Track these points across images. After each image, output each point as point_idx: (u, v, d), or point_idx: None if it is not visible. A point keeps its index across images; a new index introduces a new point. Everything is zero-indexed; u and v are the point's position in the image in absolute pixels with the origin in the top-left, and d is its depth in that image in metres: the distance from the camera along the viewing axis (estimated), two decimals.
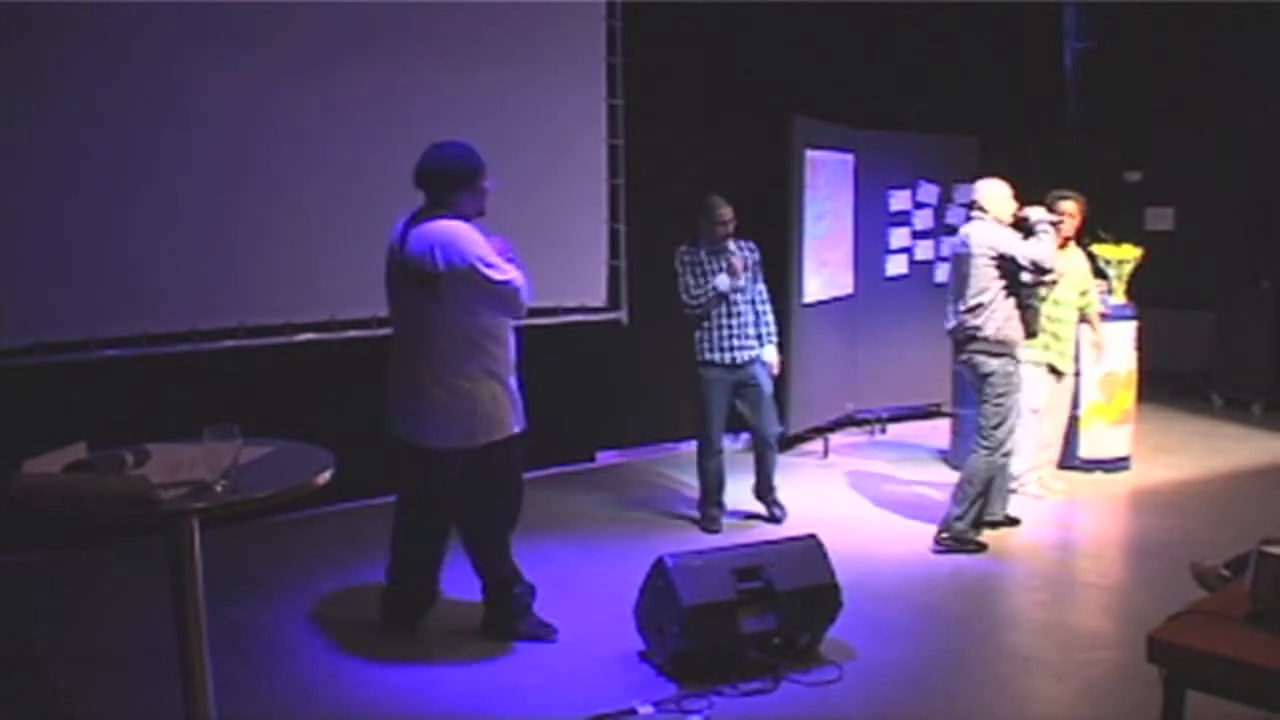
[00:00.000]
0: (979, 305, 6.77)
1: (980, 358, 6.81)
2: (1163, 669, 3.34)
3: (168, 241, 6.89)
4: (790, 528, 6.61)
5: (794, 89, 9.42)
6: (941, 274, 10.33)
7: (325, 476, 3.77)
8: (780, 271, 8.75)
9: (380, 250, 5.28)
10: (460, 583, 5.73)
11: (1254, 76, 11.43)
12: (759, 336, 7.26)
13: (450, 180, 5.13)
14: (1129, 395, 8.72)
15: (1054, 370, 7.83)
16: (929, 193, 10.33)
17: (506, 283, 5.02)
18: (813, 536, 5.49)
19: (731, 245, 7.09)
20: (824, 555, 5.37)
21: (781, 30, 9.60)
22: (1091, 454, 8.63)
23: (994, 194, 6.87)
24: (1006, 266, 6.72)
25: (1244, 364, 10.99)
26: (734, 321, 7.11)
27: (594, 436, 9.10)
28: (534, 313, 8.05)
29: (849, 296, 10.02)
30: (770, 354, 7.32)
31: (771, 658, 5.14)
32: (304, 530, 7.12)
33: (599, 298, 8.80)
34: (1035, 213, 6.82)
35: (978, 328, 6.80)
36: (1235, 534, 6.12)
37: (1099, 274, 8.55)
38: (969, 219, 7.00)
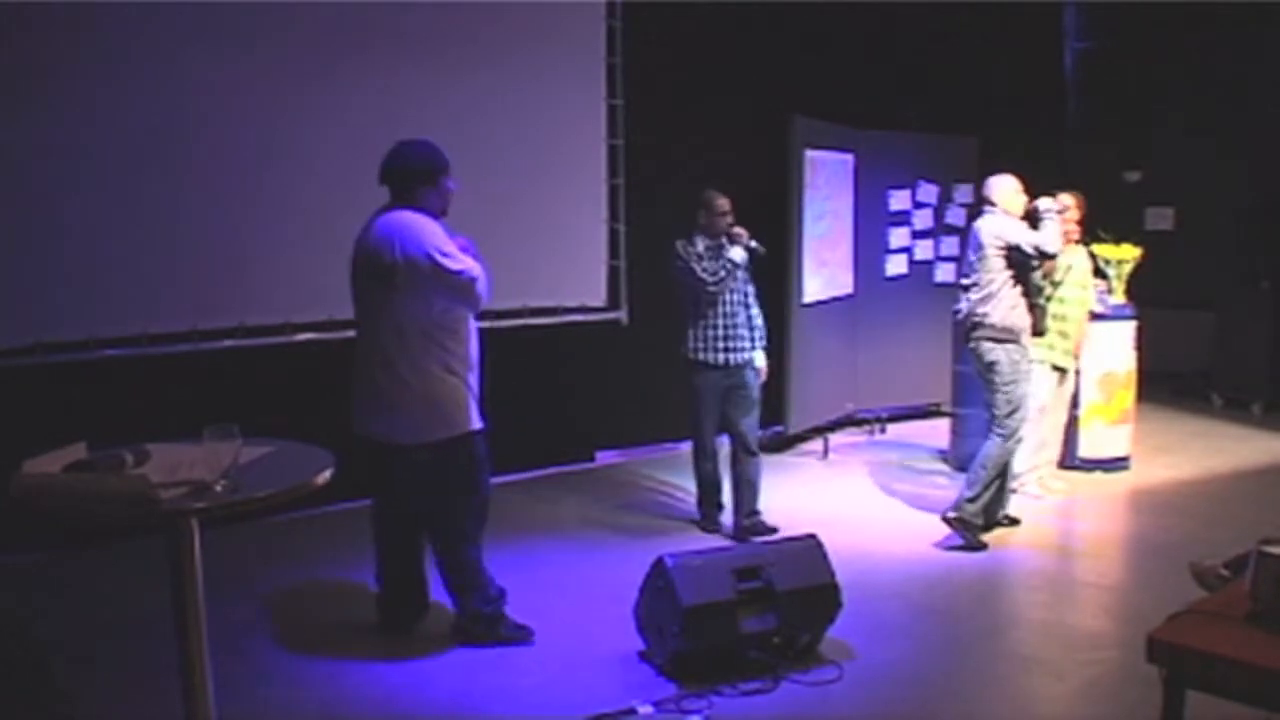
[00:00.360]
0: (986, 294, 6.94)
1: (986, 345, 6.94)
2: (1162, 669, 3.34)
3: (167, 241, 6.89)
4: (790, 528, 6.61)
5: (794, 89, 9.42)
6: (941, 274, 10.35)
7: (325, 476, 3.77)
8: (780, 271, 8.75)
9: None
10: None
11: (1254, 76, 11.44)
12: (751, 339, 7.16)
13: (412, 177, 5.17)
14: (1128, 395, 8.72)
15: (1058, 369, 7.84)
16: (929, 193, 10.32)
17: (461, 272, 5.01)
18: (812, 536, 5.49)
19: (727, 242, 6.99)
20: (824, 555, 5.37)
21: (781, 30, 9.60)
22: (1091, 454, 8.63)
23: (1003, 188, 7.05)
24: (1013, 256, 6.90)
25: (1243, 364, 10.99)
26: (726, 321, 7.00)
27: (594, 436, 9.10)
28: (534, 313, 8.13)
29: (849, 296, 10.02)
30: (760, 359, 7.22)
31: (771, 657, 5.14)
32: (304, 530, 7.12)
33: (599, 298, 8.80)
34: (1044, 202, 6.99)
35: (984, 315, 6.95)
36: (1235, 534, 6.11)
37: (1099, 274, 8.56)
38: (981, 213, 7.14)
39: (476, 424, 5.30)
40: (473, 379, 5.30)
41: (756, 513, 7.20)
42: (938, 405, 10.19)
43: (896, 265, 10.32)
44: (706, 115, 9.14)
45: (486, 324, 5.43)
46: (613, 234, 8.79)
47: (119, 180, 6.71)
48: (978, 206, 7.42)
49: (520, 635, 5.50)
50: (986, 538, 6.95)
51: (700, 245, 6.99)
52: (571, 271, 8.58)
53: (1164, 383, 10.96)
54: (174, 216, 6.90)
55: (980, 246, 6.97)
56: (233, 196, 7.08)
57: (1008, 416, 6.89)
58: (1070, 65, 12.51)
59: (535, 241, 8.17)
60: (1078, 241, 7.91)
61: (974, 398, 7.62)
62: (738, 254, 6.93)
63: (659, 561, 5.15)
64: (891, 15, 10.31)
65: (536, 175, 8.17)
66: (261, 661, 5.36)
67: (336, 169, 7.27)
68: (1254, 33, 11.23)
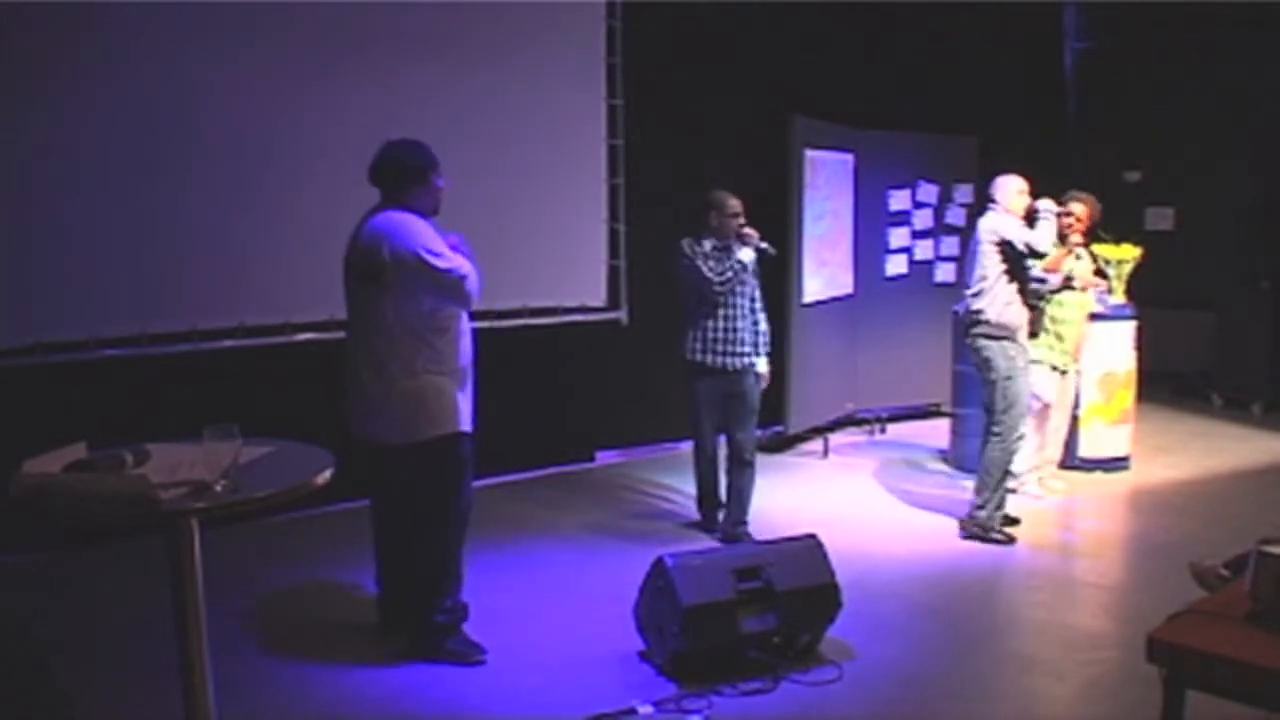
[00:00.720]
0: (980, 290, 7.02)
1: (981, 340, 7.02)
2: (1162, 669, 3.34)
3: (167, 241, 6.88)
4: (790, 527, 6.60)
5: (794, 89, 9.42)
6: (941, 274, 10.36)
7: (325, 476, 3.77)
8: (780, 271, 8.74)
9: None
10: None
11: (1254, 76, 11.44)
12: (755, 344, 7.04)
13: (401, 175, 5.16)
14: (1128, 395, 8.72)
15: (1056, 369, 7.84)
16: (929, 192, 10.33)
17: (450, 271, 4.98)
18: (812, 536, 5.49)
19: (735, 246, 6.87)
20: (824, 555, 5.37)
21: (781, 30, 9.60)
22: (1091, 454, 8.64)
23: (1007, 187, 7.09)
24: (1007, 252, 6.94)
25: (1243, 364, 11.00)
26: (729, 325, 6.89)
27: (593, 436, 9.10)
28: (534, 313, 8.13)
29: (849, 296, 10.02)
30: (762, 365, 7.09)
31: (771, 657, 5.15)
32: (304, 530, 7.12)
33: (599, 297, 8.80)
34: (1043, 203, 7.00)
35: (980, 311, 7.03)
36: (1235, 534, 6.12)
37: (1099, 274, 8.56)
38: (983, 211, 7.19)
39: (464, 426, 5.24)
40: (463, 379, 5.26)
41: (743, 523, 7.07)
42: (938, 405, 10.19)
43: (896, 265, 10.33)
44: (706, 115, 9.14)
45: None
46: (613, 234, 8.79)
47: (119, 180, 6.71)
48: (981, 205, 7.45)
49: (470, 655, 5.29)
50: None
51: (708, 245, 6.87)
52: (571, 271, 8.58)
53: (1164, 383, 10.97)
54: (174, 216, 6.89)
55: (978, 243, 7.05)
56: (233, 196, 7.08)
57: (1003, 413, 6.94)
58: (1070, 65, 12.52)
59: (535, 241, 8.17)
60: (1077, 250, 7.90)
61: (974, 397, 7.63)
62: (747, 255, 6.83)
63: (659, 561, 5.14)
64: (891, 15, 10.32)
65: (536, 175, 8.17)
66: (261, 662, 5.36)
67: (337, 169, 7.25)
68: (1254, 33, 11.23)
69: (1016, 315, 6.99)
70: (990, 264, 6.98)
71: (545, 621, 5.79)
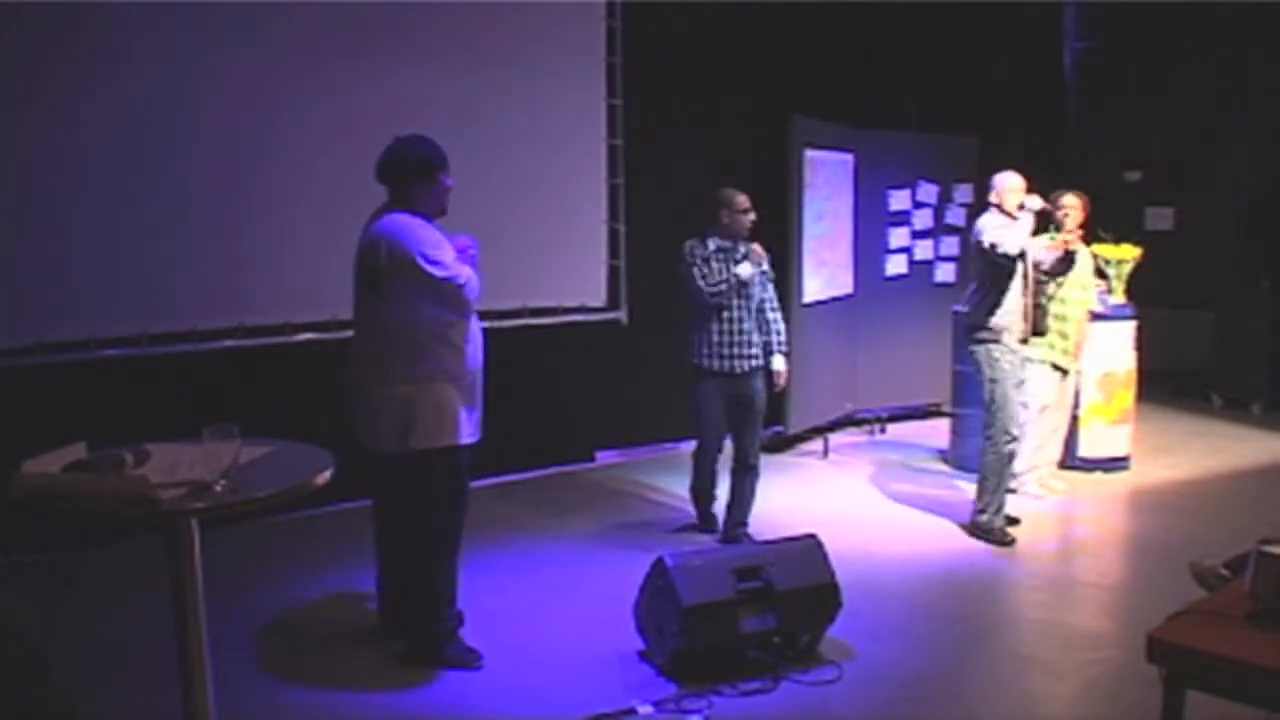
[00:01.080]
0: (971, 291, 7.09)
1: (973, 344, 7.04)
2: (1162, 669, 3.34)
3: (167, 241, 6.89)
4: (790, 527, 6.60)
5: (793, 88, 9.43)
6: (941, 274, 10.37)
7: (325, 476, 3.78)
8: (780, 271, 8.73)
9: None
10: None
11: (1253, 76, 11.44)
12: (765, 345, 6.94)
13: (408, 175, 5.07)
14: (1128, 395, 8.72)
15: (1058, 369, 7.84)
16: (928, 192, 10.32)
17: (448, 279, 4.91)
18: (812, 536, 5.49)
19: (741, 248, 6.80)
20: (824, 555, 5.37)
21: (781, 30, 9.60)
22: (1091, 454, 8.64)
23: (996, 185, 7.08)
24: (986, 253, 6.93)
25: (1243, 364, 10.99)
26: (734, 328, 6.75)
27: (594, 436, 9.10)
28: (534, 313, 8.13)
29: (848, 296, 10.02)
30: (779, 363, 7.01)
31: (771, 657, 5.15)
32: (304, 530, 7.12)
33: (599, 298, 8.80)
34: (1030, 201, 6.94)
35: (969, 313, 7.08)
36: (1234, 534, 6.12)
37: (1099, 274, 8.56)
38: (984, 211, 7.19)
39: (462, 438, 5.14)
40: (471, 385, 5.17)
41: (744, 524, 7.01)
42: (937, 405, 10.19)
43: (896, 265, 10.32)
44: (706, 115, 9.14)
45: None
46: (612, 234, 8.79)
47: (119, 180, 6.71)
48: (981, 204, 7.44)
49: (467, 661, 5.26)
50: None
51: (713, 245, 6.76)
52: (571, 271, 8.58)
53: (1164, 383, 10.96)
54: (174, 216, 6.90)
55: (973, 244, 7.08)
56: (233, 196, 7.08)
57: (992, 415, 6.96)
58: (1070, 65, 12.52)
59: (535, 241, 8.17)
60: (1072, 243, 7.88)
61: (973, 397, 7.62)
62: (745, 270, 6.69)
63: (659, 561, 5.15)
64: (891, 15, 10.31)
65: (536, 175, 8.18)
66: (261, 662, 5.36)
67: (336, 169, 7.26)
68: (1253, 32, 11.23)
69: (1004, 317, 6.92)
70: (979, 266, 7.00)
71: (545, 621, 5.79)
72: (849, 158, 9.89)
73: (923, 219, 10.37)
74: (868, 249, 10.18)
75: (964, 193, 10.34)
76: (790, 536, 5.64)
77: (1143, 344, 8.79)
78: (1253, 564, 3.46)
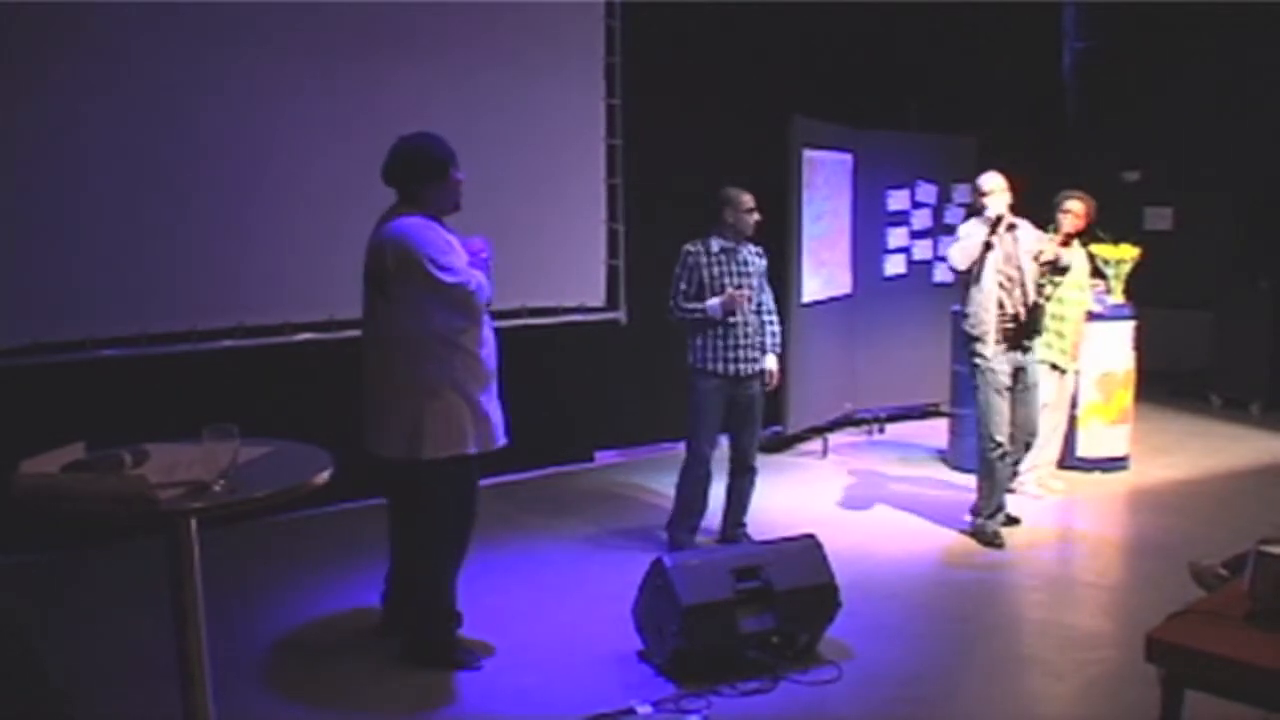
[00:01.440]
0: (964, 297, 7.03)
1: (965, 348, 7.09)
2: (1161, 668, 3.35)
3: (167, 241, 6.89)
4: (789, 527, 6.60)
5: (793, 89, 9.43)
6: (940, 274, 10.35)
7: (324, 476, 3.77)
8: (779, 271, 8.74)
9: None
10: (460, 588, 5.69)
11: (1253, 76, 11.44)
12: (763, 347, 6.78)
13: (417, 175, 4.97)
14: (1127, 395, 8.72)
15: (1056, 368, 7.84)
16: (927, 192, 10.33)
17: (457, 284, 4.83)
18: (811, 536, 5.49)
19: (743, 248, 6.71)
20: (822, 555, 5.37)
21: (780, 30, 9.60)
22: (1090, 453, 8.64)
23: (977, 185, 7.03)
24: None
25: (1242, 364, 10.99)
26: (738, 330, 6.59)
27: (593, 436, 9.11)
28: (533, 313, 8.12)
29: (847, 296, 10.02)
30: (771, 362, 6.82)
31: (770, 657, 5.15)
32: (303, 530, 7.12)
33: (598, 298, 8.81)
34: (990, 205, 6.85)
35: (961, 313, 7.13)
36: (1233, 534, 6.12)
37: (1097, 274, 8.57)
38: None
39: (471, 447, 5.08)
40: (481, 395, 5.09)
41: (743, 525, 6.96)
42: (936, 405, 10.19)
43: (895, 265, 10.32)
44: (705, 115, 9.14)
45: None
46: (612, 234, 8.80)
47: (118, 180, 6.71)
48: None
49: (466, 662, 5.25)
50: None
51: (716, 246, 6.65)
52: (570, 271, 8.59)
53: (1162, 382, 10.96)
54: (173, 216, 6.90)
55: None
56: (232, 197, 7.09)
57: (979, 421, 7.01)
58: (1069, 65, 12.52)
59: (534, 241, 8.16)
60: (1076, 241, 7.87)
61: (971, 398, 7.61)
62: (715, 309, 6.50)
63: (658, 561, 5.15)
64: (890, 15, 10.32)
65: (535, 175, 8.18)
66: (260, 662, 5.36)
67: (336, 169, 7.27)
68: (1253, 32, 11.24)
69: (980, 323, 6.87)
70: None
71: (544, 621, 5.79)
72: (848, 158, 9.89)
73: (921, 219, 10.37)
74: (866, 249, 10.17)
75: (963, 193, 10.31)
76: (789, 536, 5.64)
77: (1141, 344, 8.79)
78: (1251, 564, 3.46)
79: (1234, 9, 11.09)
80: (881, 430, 10.25)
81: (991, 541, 6.94)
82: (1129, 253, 8.79)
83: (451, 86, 7.76)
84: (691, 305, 6.58)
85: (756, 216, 6.74)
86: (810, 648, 5.33)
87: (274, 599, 6.14)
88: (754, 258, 6.79)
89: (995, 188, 6.89)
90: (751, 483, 6.96)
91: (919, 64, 10.58)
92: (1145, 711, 3.46)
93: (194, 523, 3.68)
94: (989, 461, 6.96)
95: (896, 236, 10.29)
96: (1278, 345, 10.86)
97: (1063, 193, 7.77)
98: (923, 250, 10.39)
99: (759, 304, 6.81)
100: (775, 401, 8.64)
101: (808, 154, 9.08)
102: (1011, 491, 7.30)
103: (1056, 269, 7.02)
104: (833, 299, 9.74)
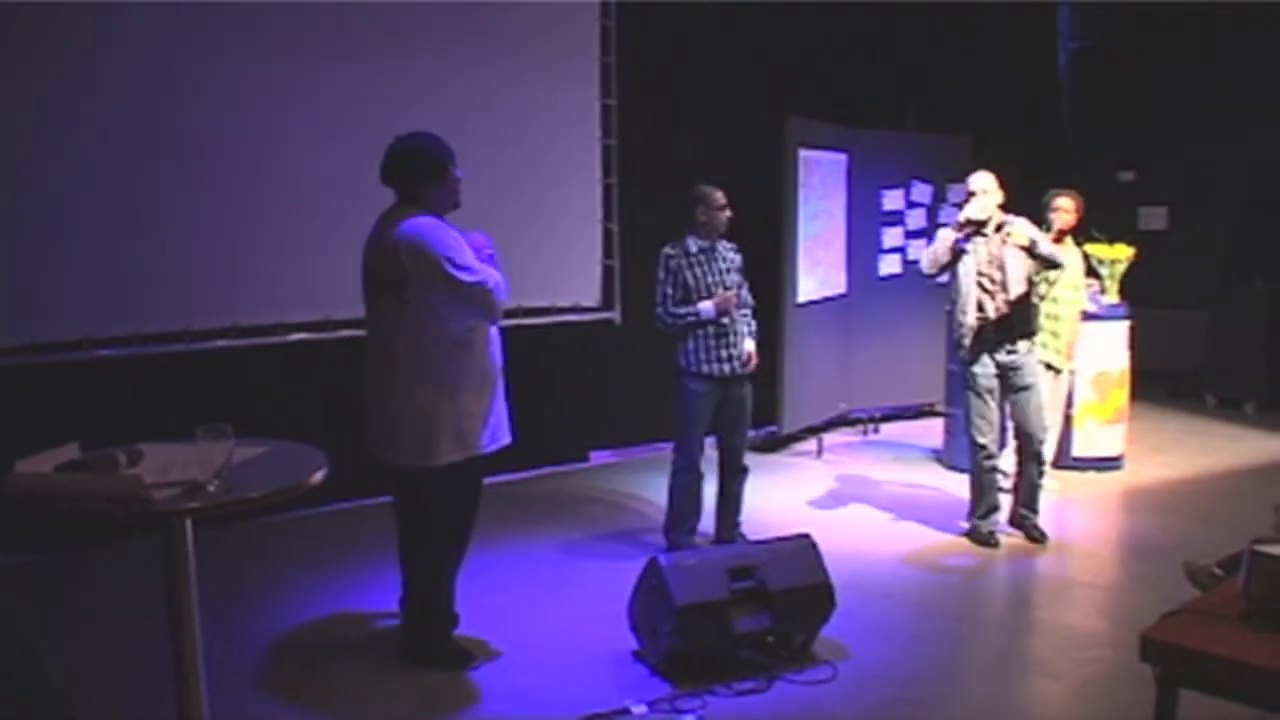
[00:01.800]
0: None
1: None
2: (1156, 668, 3.35)
3: (161, 241, 6.88)
4: (783, 527, 6.59)
5: (788, 88, 9.43)
6: None
7: (319, 477, 3.76)
8: (774, 271, 8.76)
9: None
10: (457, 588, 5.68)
11: (1247, 76, 11.45)
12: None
13: (417, 174, 4.93)
14: (1122, 394, 8.73)
15: (1050, 368, 7.84)
16: (922, 192, 10.33)
17: (477, 283, 4.79)
18: (806, 536, 5.49)
19: (720, 245, 6.65)
20: (817, 555, 5.37)
21: (776, 30, 9.61)
22: (1085, 453, 8.65)
23: (968, 185, 6.91)
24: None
25: (1237, 363, 11.00)
26: (730, 329, 6.54)
27: (587, 436, 9.10)
28: (527, 313, 8.11)
29: (842, 296, 10.02)
30: (749, 344, 6.67)
31: (765, 657, 5.15)
32: (299, 531, 7.12)
33: (592, 297, 8.81)
34: (970, 207, 6.77)
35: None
36: (1228, 533, 6.13)
37: (1092, 273, 8.57)
38: None
39: (485, 447, 5.10)
40: (492, 388, 5.11)
41: (738, 525, 6.93)
42: (931, 405, 10.20)
43: (890, 265, 10.33)
44: (701, 115, 9.14)
45: None
46: (606, 234, 8.79)
47: (111, 180, 6.71)
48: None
49: (460, 662, 5.24)
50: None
51: (694, 247, 6.57)
52: (565, 271, 8.58)
53: (1158, 382, 10.97)
54: (167, 216, 6.90)
55: None
56: (226, 196, 7.08)
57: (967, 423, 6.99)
58: (1064, 65, 12.52)
59: (529, 241, 8.16)
60: (1070, 239, 7.87)
61: (959, 398, 7.62)
62: (708, 310, 6.46)
63: (653, 560, 5.15)
64: (886, 15, 10.32)
65: (530, 174, 8.17)
66: (256, 662, 5.35)
67: (331, 169, 7.27)
68: (1247, 33, 11.24)
69: (960, 323, 6.82)
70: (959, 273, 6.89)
71: (539, 621, 5.79)
72: (843, 157, 9.89)
73: (916, 219, 10.37)
74: (861, 249, 10.18)
75: (958, 192, 10.29)
76: (784, 536, 5.64)
77: (1136, 344, 8.80)
78: (1246, 563, 3.46)
79: (1228, 9, 11.09)
80: (876, 430, 10.25)
81: (986, 541, 6.94)
82: (1124, 252, 8.80)
83: (446, 86, 7.76)
84: (683, 309, 6.52)
85: (728, 214, 6.65)
86: (805, 647, 5.33)
87: (270, 599, 6.13)
88: (731, 254, 6.73)
89: (979, 188, 6.79)
90: (744, 482, 6.93)
91: (914, 64, 10.59)
92: (1140, 711, 3.46)
93: (189, 523, 3.67)
94: (975, 463, 6.96)
95: (891, 236, 10.30)
96: (1273, 345, 10.87)
97: (1051, 191, 7.77)
98: (918, 250, 10.36)
99: (743, 299, 6.74)
100: (770, 401, 8.66)
101: (803, 154, 9.08)
102: (1005, 491, 7.25)
103: (1038, 258, 6.79)
104: (828, 299, 9.74)
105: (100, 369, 6.77)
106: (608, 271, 8.83)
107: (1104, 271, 8.75)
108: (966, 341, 6.81)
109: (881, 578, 6.46)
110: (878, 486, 8.40)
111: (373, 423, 5.07)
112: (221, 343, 7.18)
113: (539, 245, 8.30)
